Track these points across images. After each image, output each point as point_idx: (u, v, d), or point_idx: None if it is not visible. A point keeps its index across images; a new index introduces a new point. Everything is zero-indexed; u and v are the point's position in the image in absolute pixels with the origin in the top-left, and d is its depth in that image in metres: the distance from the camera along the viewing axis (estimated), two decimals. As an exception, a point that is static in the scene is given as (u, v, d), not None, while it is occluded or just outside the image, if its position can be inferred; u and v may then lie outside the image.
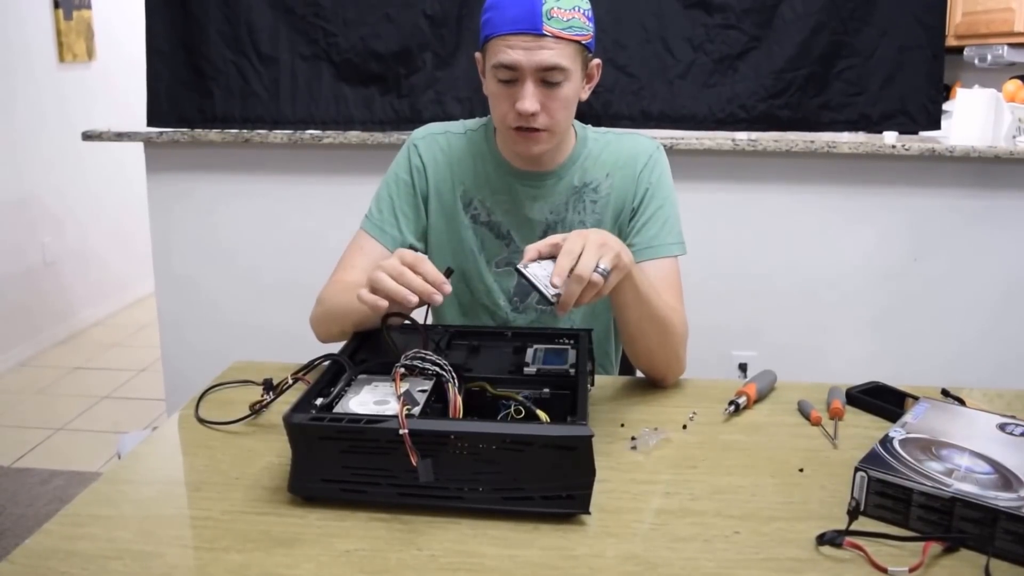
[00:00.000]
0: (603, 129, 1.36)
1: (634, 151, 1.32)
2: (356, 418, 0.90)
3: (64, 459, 2.72)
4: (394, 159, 1.38)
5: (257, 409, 1.13)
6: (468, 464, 0.89)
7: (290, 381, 1.14)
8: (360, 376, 1.04)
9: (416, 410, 0.93)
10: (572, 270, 0.99)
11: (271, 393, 1.14)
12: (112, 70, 4.12)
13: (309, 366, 1.15)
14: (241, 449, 1.06)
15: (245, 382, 1.25)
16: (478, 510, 0.90)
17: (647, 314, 1.16)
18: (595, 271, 0.99)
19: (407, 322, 1.11)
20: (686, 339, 1.24)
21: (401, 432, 0.86)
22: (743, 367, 2.49)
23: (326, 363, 1.08)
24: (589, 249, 1.00)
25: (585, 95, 1.25)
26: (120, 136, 2.45)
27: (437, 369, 1.00)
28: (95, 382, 3.42)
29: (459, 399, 0.97)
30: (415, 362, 1.01)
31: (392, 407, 0.93)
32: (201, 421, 1.14)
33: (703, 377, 1.29)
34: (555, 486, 0.88)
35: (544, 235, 1.28)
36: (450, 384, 0.98)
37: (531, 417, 0.96)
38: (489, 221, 1.32)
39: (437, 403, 0.99)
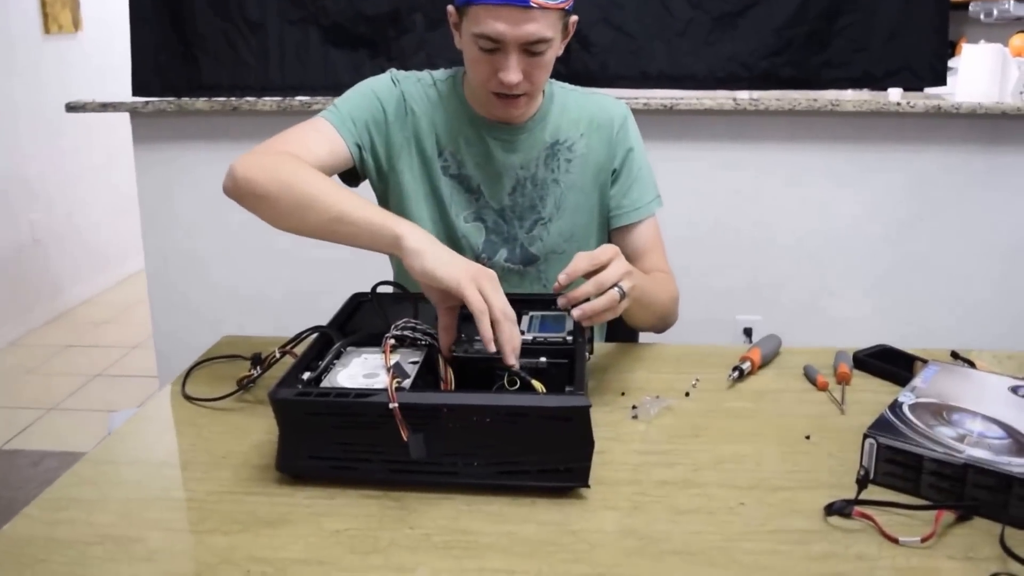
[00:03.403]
0: (567, 85, 1.36)
1: (608, 113, 1.33)
2: (344, 392, 0.88)
3: (56, 440, 2.71)
4: (371, 81, 1.29)
5: (245, 384, 1.11)
6: (461, 438, 0.87)
7: (277, 355, 1.12)
8: (349, 348, 1.02)
9: (407, 383, 0.91)
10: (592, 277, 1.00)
11: (259, 368, 1.12)
12: (98, 41, 4.04)
13: (297, 339, 1.12)
14: (229, 426, 1.04)
15: (233, 357, 1.23)
16: (472, 485, 0.88)
17: (648, 315, 1.23)
18: (616, 287, 1.00)
19: (398, 290, 1.08)
20: (678, 298, 1.30)
21: (391, 406, 0.84)
22: (748, 331, 2.47)
23: (314, 335, 1.05)
24: (617, 263, 1.01)
25: (560, 51, 1.23)
26: (105, 107, 2.41)
27: (429, 339, 0.98)
28: (87, 360, 3.40)
29: (450, 370, 0.95)
30: (405, 332, 0.99)
31: (382, 380, 0.91)
32: (188, 398, 1.11)
33: (707, 342, 1.27)
34: (552, 459, 0.86)
35: (515, 191, 1.30)
36: (441, 355, 0.96)
37: (527, 388, 0.93)
38: (459, 174, 1.29)
39: (429, 375, 0.96)
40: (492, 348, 0.92)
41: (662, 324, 1.30)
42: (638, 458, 0.95)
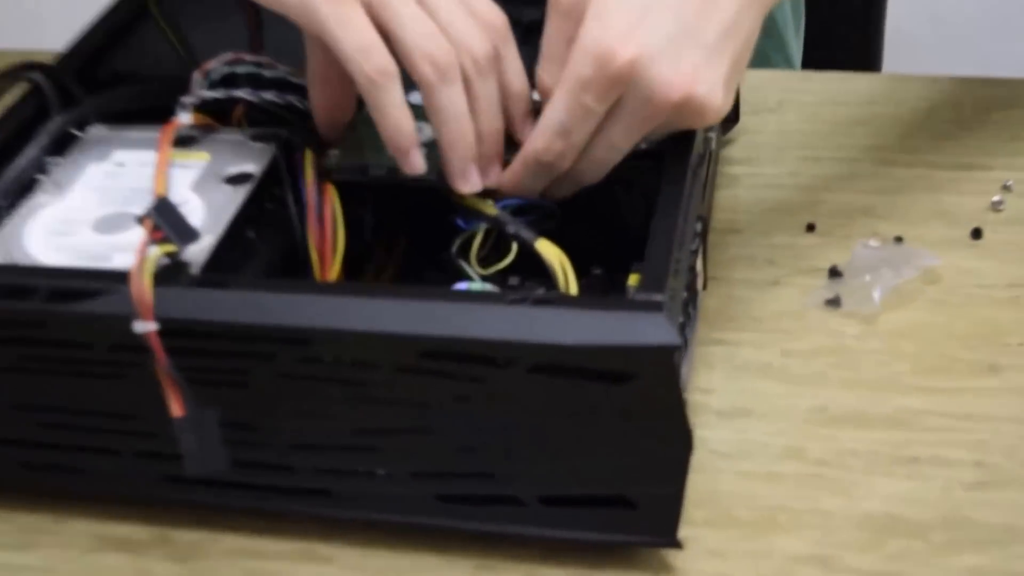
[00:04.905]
0: None
1: None
2: (25, 286, 0.61)
3: None
4: None
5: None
6: (348, 410, 0.61)
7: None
8: (92, 130, 0.77)
9: (200, 247, 0.63)
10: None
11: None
12: None
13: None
14: None
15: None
16: (380, 527, 0.63)
17: None
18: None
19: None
20: None
21: (139, 330, 0.57)
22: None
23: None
24: (630, 114, 0.70)
25: None
26: None
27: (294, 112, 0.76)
28: None
29: (336, 209, 0.69)
30: (238, 93, 0.75)
31: (134, 239, 0.64)
32: None
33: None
34: (585, 476, 0.61)
35: None
36: (311, 154, 0.71)
37: (535, 273, 0.67)
38: None
39: (277, 218, 0.72)
40: (416, 166, 0.68)
41: None
42: (825, 436, 0.67)
